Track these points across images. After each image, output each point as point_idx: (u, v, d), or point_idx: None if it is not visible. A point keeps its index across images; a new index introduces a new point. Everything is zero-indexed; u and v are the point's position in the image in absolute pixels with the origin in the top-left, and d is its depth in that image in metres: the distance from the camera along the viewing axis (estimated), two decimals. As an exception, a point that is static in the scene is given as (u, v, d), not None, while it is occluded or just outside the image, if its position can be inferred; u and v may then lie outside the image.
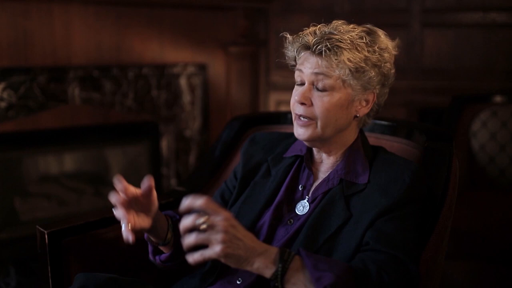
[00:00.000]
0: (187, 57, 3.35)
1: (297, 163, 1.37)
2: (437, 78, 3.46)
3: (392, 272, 1.11)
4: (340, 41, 1.21)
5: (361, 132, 1.34)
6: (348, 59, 1.20)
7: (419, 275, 1.14)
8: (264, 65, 3.70)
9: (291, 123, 1.54)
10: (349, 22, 1.31)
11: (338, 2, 3.56)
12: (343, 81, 1.23)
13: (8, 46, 2.76)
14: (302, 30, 1.30)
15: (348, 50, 1.21)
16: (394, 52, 1.30)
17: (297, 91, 1.27)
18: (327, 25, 1.29)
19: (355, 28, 1.27)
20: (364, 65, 1.22)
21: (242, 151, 1.49)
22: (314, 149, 1.34)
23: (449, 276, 2.26)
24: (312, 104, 1.24)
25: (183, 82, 3.34)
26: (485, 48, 3.38)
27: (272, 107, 3.73)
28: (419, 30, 3.47)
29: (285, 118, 1.76)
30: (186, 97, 3.37)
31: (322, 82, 1.23)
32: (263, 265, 1.07)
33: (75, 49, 2.95)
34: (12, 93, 2.77)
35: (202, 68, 3.40)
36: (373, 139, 1.50)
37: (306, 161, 1.35)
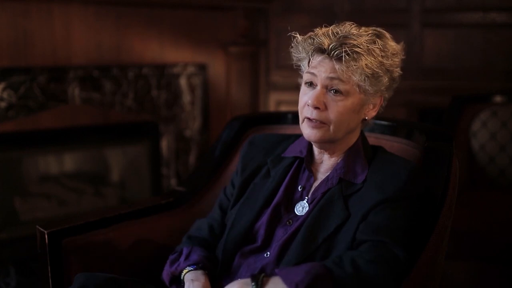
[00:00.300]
0: (187, 57, 3.35)
1: (296, 163, 1.37)
2: (437, 78, 3.46)
3: (369, 255, 1.11)
4: (358, 46, 1.20)
5: (361, 132, 1.34)
6: (366, 65, 1.20)
7: (408, 259, 1.13)
8: (264, 65, 3.70)
9: (291, 123, 1.53)
10: (353, 23, 1.30)
11: (338, 2, 3.55)
12: (359, 86, 1.23)
13: (8, 46, 2.76)
14: (313, 30, 1.29)
15: (365, 56, 1.21)
16: (402, 57, 1.30)
17: (308, 94, 1.25)
18: (339, 26, 1.28)
19: (366, 32, 1.26)
20: (379, 71, 1.23)
21: (241, 153, 1.49)
22: (316, 150, 1.34)
23: (449, 276, 2.26)
24: (326, 108, 1.24)
25: (183, 82, 3.34)
26: (485, 48, 3.38)
27: (272, 107, 3.72)
28: (419, 30, 3.47)
29: (285, 118, 1.75)
30: (186, 97, 3.37)
31: (337, 87, 1.22)
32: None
33: (75, 49, 2.95)
34: (12, 93, 2.77)
35: (202, 68, 3.40)
36: (373, 139, 1.50)
37: (307, 162, 1.35)
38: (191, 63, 3.36)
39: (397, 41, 1.32)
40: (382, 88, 1.27)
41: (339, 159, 1.31)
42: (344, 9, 3.55)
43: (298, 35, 1.29)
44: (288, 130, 1.65)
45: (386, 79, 1.26)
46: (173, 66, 3.29)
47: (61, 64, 2.91)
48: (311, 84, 1.26)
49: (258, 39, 3.64)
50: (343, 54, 1.20)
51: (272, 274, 1.13)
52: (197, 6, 3.29)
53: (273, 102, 3.72)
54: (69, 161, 3.33)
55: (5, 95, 2.74)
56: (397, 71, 1.28)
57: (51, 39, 2.87)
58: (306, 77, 1.27)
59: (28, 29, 2.80)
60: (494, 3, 3.34)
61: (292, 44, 1.31)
